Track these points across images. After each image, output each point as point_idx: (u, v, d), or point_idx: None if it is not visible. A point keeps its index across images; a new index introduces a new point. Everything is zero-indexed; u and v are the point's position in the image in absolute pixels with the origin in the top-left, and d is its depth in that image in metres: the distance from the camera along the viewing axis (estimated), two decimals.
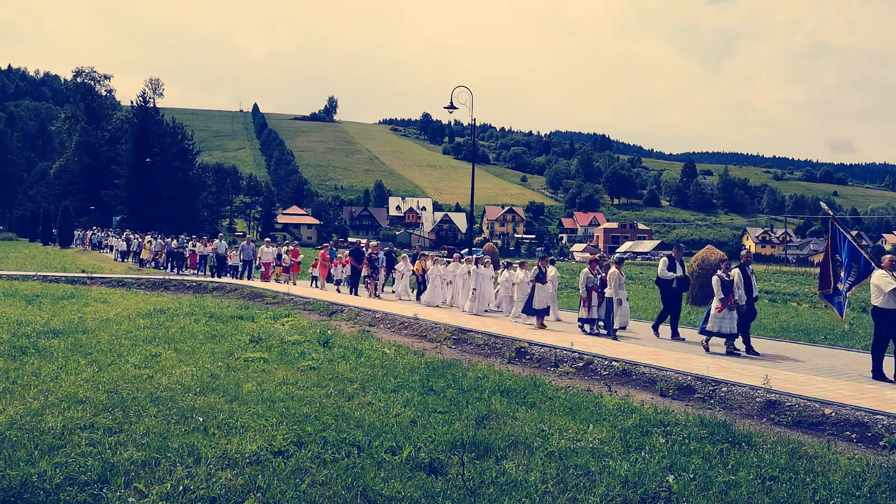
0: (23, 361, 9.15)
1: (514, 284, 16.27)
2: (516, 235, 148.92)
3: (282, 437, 6.18)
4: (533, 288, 14.25)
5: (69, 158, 78.73)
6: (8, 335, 11.05)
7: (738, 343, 11.80)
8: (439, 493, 5.15)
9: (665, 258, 13.34)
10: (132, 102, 73.09)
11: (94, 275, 25.06)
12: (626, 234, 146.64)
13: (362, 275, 21.11)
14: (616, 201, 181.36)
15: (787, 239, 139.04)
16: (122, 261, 37.41)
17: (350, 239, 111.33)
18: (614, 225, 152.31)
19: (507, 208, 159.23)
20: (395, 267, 21.26)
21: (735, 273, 11.66)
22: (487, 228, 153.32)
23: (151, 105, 71.60)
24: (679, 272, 13.04)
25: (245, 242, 27.59)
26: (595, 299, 13.36)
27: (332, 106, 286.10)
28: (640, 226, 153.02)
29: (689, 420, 7.40)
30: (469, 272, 17.36)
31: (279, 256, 25.27)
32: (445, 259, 21.07)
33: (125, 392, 7.61)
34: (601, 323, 13.57)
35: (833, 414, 7.65)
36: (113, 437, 6.05)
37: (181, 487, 4.98)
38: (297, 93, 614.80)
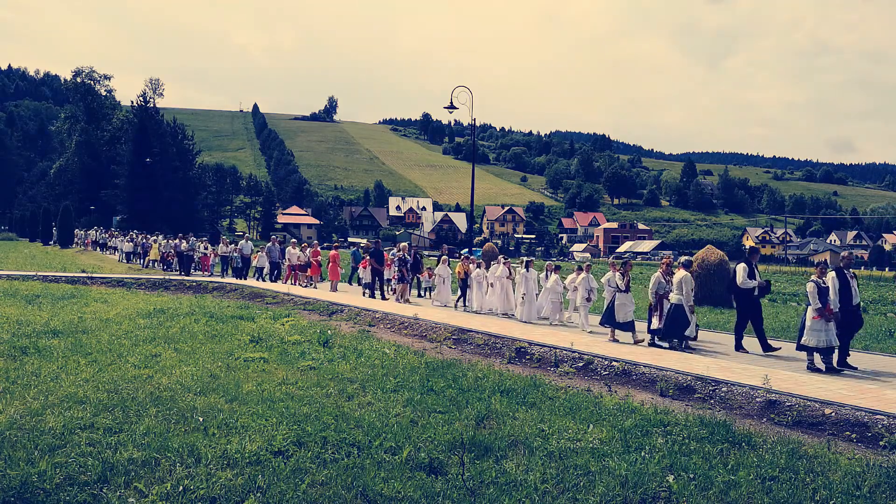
0: (23, 361, 9.15)
1: (564, 288, 15.64)
2: (516, 235, 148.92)
3: (282, 437, 6.18)
4: (613, 297, 12.94)
5: (69, 158, 78.61)
6: (8, 335, 11.05)
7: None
8: (439, 493, 5.15)
9: (744, 264, 12.10)
10: (132, 102, 73.07)
11: (94, 275, 25.05)
12: (626, 234, 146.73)
13: (386, 278, 20.47)
14: (616, 201, 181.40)
15: (787, 239, 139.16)
16: (128, 262, 36.37)
17: (350, 239, 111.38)
18: (614, 225, 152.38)
19: (507, 208, 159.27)
20: (434, 271, 20.31)
21: (830, 278, 10.46)
22: (487, 228, 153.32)
23: (151, 105, 71.56)
24: (759, 279, 12.19)
25: (272, 243, 26.48)
26: (667, 307, 12.21)
27: (331, 106, 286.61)
28: (640, 226, 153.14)
29: (689, 420, 7.40)
30: (517, 275, 16.17)
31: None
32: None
33: (125, 392, 7.61)
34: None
35: (833, 414, 7.65)
36: (113, 437, 6.04)
37: (181, 487, 4.98)
38: (297, 93, 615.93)
